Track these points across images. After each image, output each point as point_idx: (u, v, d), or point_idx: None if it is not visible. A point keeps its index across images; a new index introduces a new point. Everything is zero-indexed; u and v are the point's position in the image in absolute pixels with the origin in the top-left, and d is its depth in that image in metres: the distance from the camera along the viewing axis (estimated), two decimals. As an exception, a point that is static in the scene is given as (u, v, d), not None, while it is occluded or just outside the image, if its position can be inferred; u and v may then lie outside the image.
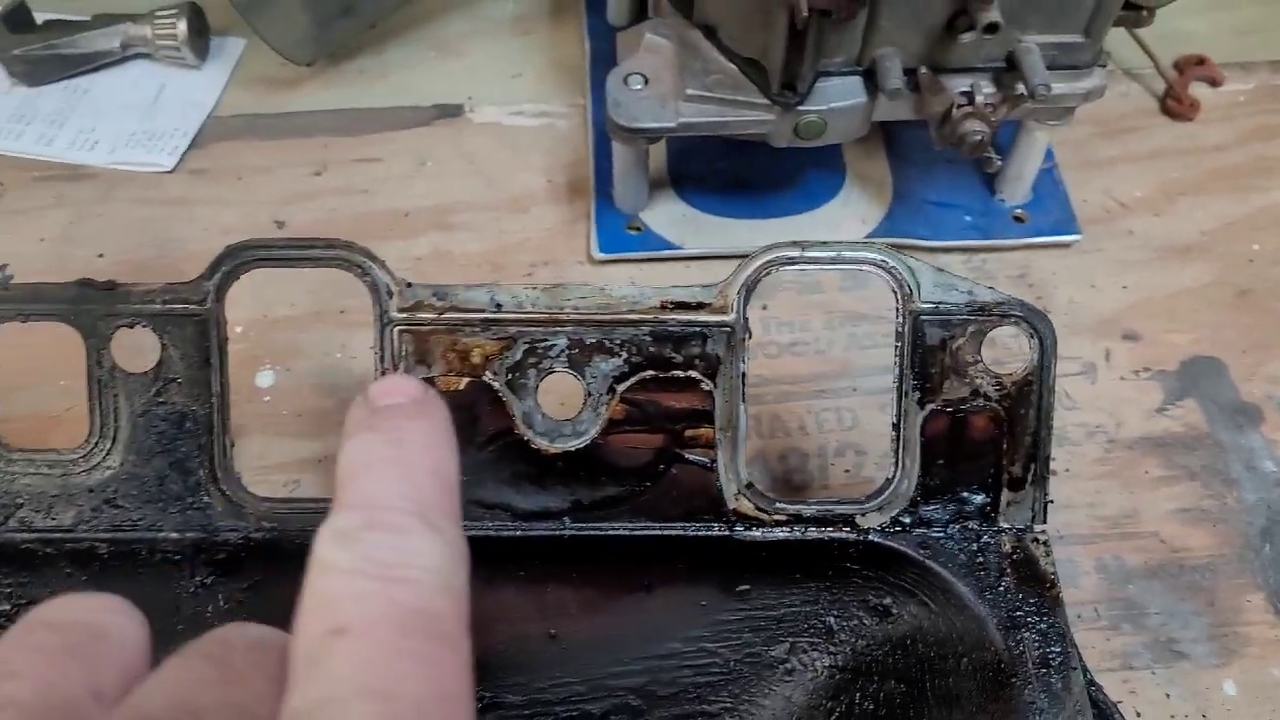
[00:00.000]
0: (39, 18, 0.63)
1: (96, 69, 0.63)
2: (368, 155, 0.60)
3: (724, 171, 0.59)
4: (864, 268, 0.38)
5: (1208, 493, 0.49)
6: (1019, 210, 0.57)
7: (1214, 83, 0.64)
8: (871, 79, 0.50)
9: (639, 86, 0.51)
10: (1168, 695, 0.43)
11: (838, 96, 0.50)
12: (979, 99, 0.49)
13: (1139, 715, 0.42)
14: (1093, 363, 0.53)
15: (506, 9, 0.68)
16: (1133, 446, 0.50)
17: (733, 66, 0.51)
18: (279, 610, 0.38)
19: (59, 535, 0.39)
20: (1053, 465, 0.40)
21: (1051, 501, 0.40)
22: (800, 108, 0.50)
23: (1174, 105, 0.63)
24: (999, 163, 0.51)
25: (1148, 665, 0.44)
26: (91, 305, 0.38)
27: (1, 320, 0.38)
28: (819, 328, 0.54)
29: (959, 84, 0.50)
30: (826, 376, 0.52)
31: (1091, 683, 0.37)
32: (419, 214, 0.58)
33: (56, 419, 0.49)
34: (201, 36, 0.64)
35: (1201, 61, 0.65)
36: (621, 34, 0.64)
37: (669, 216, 0.57)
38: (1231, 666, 0.44)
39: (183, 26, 0.62)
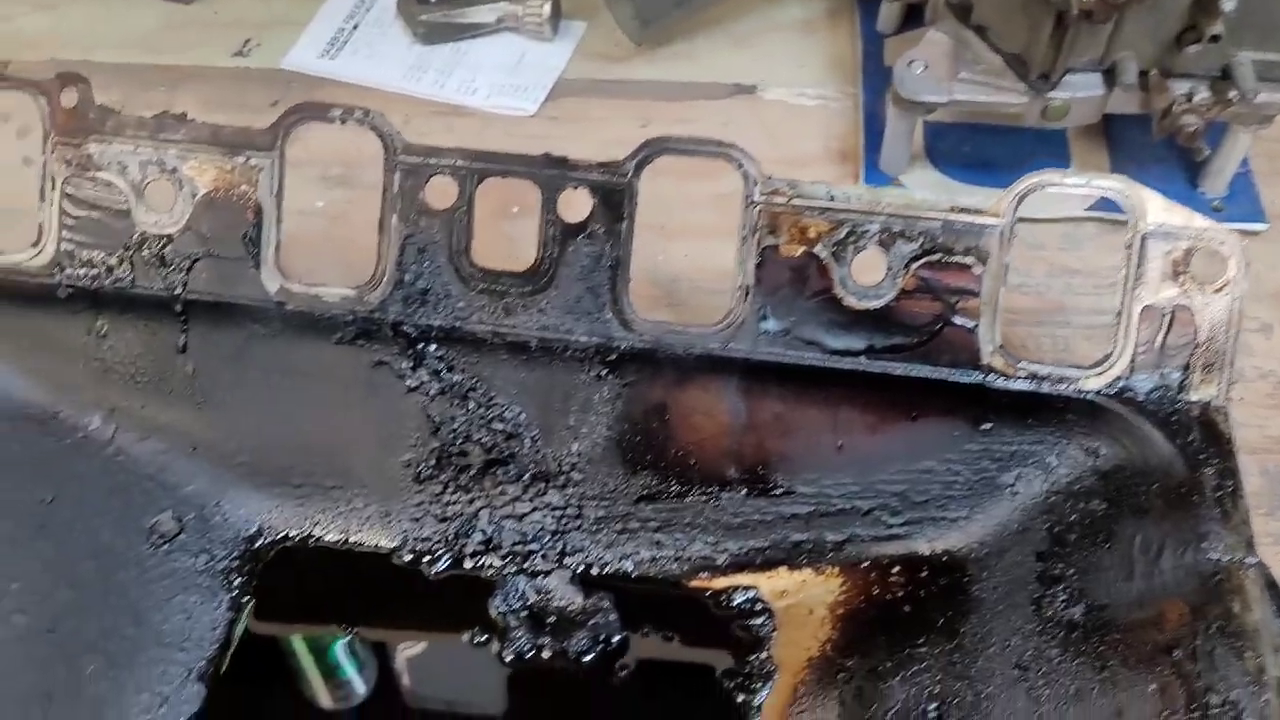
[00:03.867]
0: (435, -6, 0.82)
1: (475, 36, 0.82)
2: (682, 117, 0.76)
3: (970, 152, 0.73)
4: (1109, 193, 0.52)
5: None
6: (1216, 201, 0.70)
7: (1397, 118, 0.75)
8: (1109, 76, 0.64)
9: (920, 70, 0.66)
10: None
11: (1081, 88, 0.64)
12: (1196, 99, 0.63)
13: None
14: (1269, 324, 0.65)
15: (792, 14, 0.84)
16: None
17: (998, 59, 0.65)
18: (643, 403, 0.54)
19: (504, 329, 0.55)
20: (1230, 393, 0.52)
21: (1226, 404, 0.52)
22: (1050, 94, 0.64)
23: (1358, 132, 0.74)
24: (1207, 151, 0.64)
25: (1299, 541, 0.56)
26: (550, 171, 0.54)
27: (485, 177, 0.54)
28: (1041, 275, 0.68)
29: (1181, 86, 0.63)
30: (1045, 312, 0.66)
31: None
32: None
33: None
34: (556, 17, 0.81)
35: (1387, 99, 0.76)
36: (888, 39, 0.80)
37: (924, 180, 0.71)
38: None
39: (547, 8, 0.80)
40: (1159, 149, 0.71)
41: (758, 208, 0.53)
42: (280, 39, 0.83)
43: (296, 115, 0.55)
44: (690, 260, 0.67)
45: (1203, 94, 0.63)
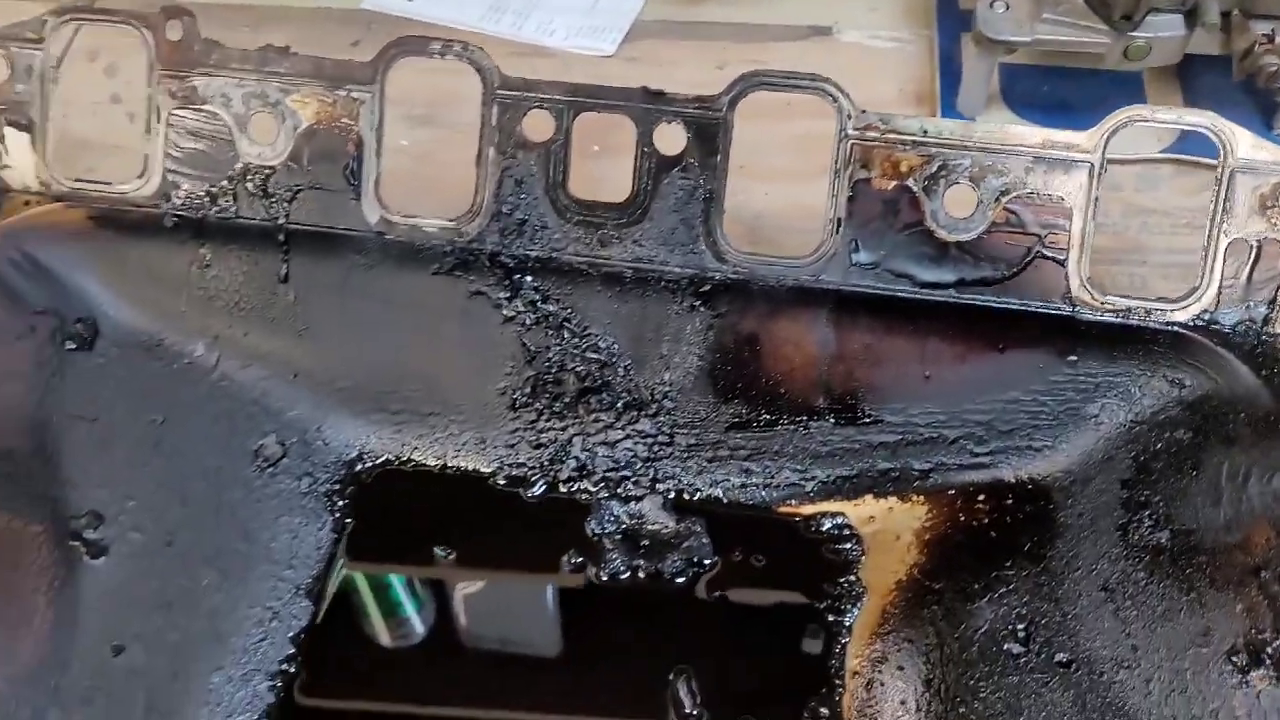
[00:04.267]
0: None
1: (549, -22, 0.83)
2: (757, 59, 0.77)
3: (1047, 94, 0.73)
4: (1200, 128, 0.52)
5: None
6: (1292, 144, 0.70)
7: None
8: (1190, 17, 0.64)
9: (1002, 10, 0.67)
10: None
11: (1163, 29, 0.65)
12: (1278, 39, 0.63)
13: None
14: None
15: (864, -42, 0.84)
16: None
17: (1079, 1, 0.66)
18: (734, 333, 0.56)
19: (599, 260, 0.56)
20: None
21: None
22: (1132, 34, 0.64)
23: None
24: (1288, 93, 0.65)
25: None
26: (646, 105, 0.55)
27: (582, 111, 0.56)
28: (1117, 215, 0.68)
29: (1262, 27, 0.63)
30: (1122, 251, 0.67)
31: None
32: (798, 103, 0.74)
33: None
34: (631, -41, 0.82)
35: None
36: (961, -16, 0.80)
37: (1000, 120, 0.72)
38: None
39: (623, -51, 0.81)
40: (1234, 92, 0.71)
41: (850, 142, 0.54)
42: (357, -19, 0.84)
43: (397, 49, 0.56)
44: (770, 199, 0.68)
45: (1285, 35, 0.63)
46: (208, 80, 0.57)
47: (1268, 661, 0.46)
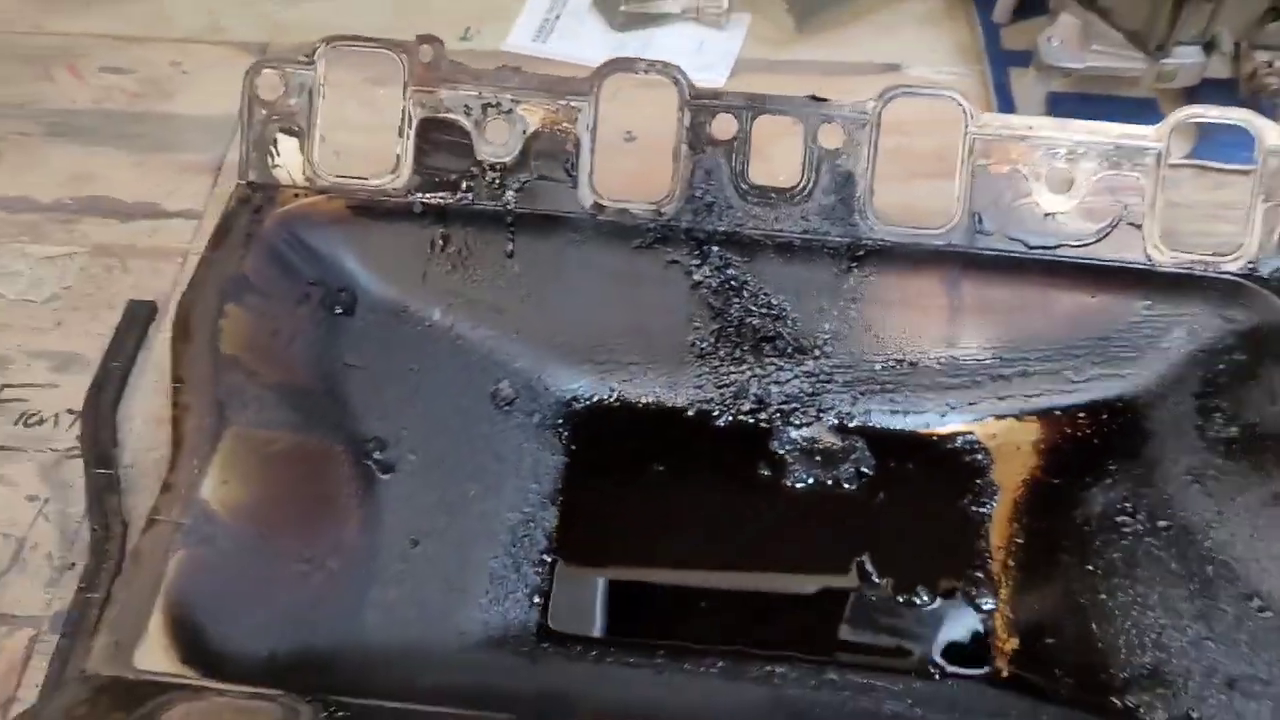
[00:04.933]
0: (624, -9, 0.98)
1: (661, 25, 0.98)
2: (844, 90, 0.91)
3: (1085, 116, 0.90)
4: (1241, 122, 0.68)
5: None
6: (1282, 151, 0.87)
7: None
8: (1208, 47, 0.81)
9: (1057, 43, 0.83)
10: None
11: (1186, 56, 0.82)
12: (1276, 64, 0.80)
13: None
14: (1334, 242, 0.83)
15: (918, 8, 1.01)
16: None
17: (1119, 34, 0.83)
18: (882, 289, 0.70)
19: (774, 233, 0.71)
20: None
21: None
22: (1163, 61, 0.81)
23: (1387, 100, 0.93)
24: (1283, 107, 0.82)
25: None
26: (810, 109, 0.70)
27: (760, 114, 0.70)
28: (1152, 207, 0.85)
29: (1264, 55, 0.81)
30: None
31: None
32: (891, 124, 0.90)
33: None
34: (729, 10, 0.98)
35: (1405, 75, 0.95)
36: (1003, 28, 0.97)
37: (1051, 135, 0.88)
38: None
39: (725, 2, 0.96)
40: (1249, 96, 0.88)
41: (973, 137, 0.70)
42: (494, 28, 0.98)
43: (610, 68, 0.71)
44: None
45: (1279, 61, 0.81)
46: (452, 93, 0.71)
47: (1324, 513, 0.61)
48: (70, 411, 0.72)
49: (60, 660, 0.60)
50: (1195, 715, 0.57)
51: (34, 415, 0.72)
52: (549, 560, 0.65)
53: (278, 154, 0.72)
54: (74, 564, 0.65)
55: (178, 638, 0.53)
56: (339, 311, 0.70)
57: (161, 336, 0.76)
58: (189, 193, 0.85)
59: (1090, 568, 0.64)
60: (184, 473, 0.59)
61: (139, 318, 0.76)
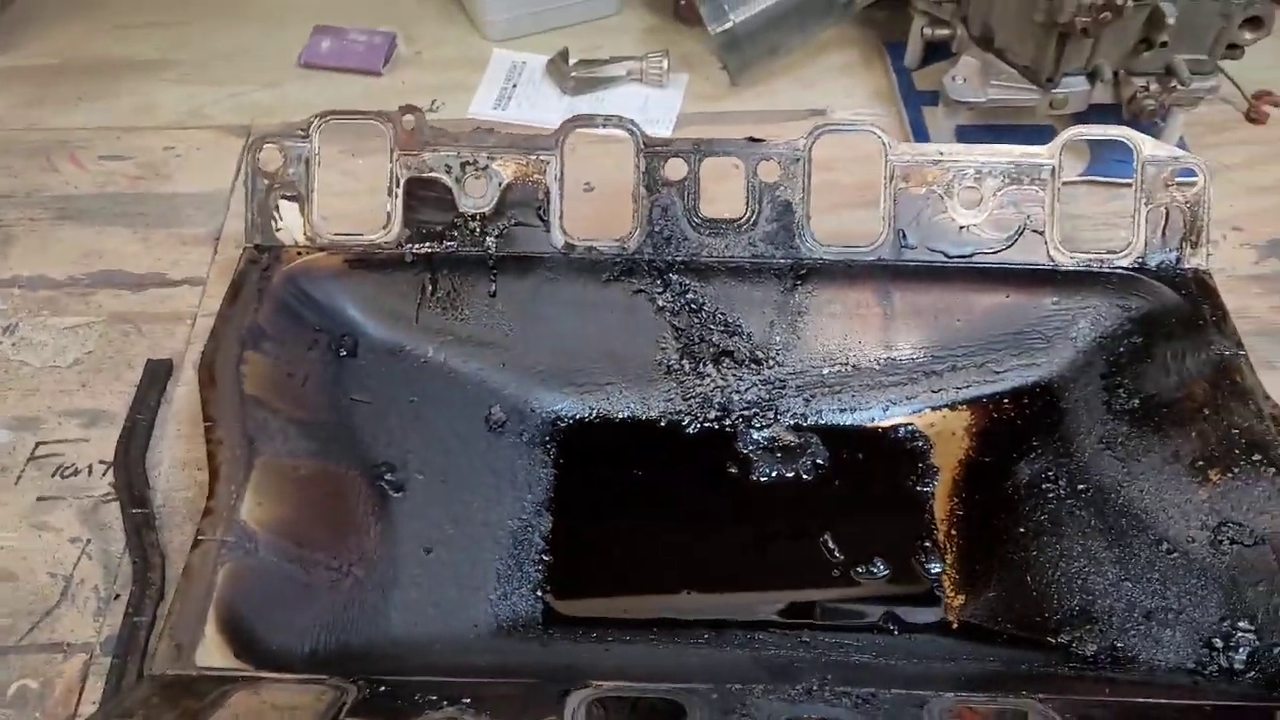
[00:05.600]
0: (573, 57, 1.09)
1: (609, 88, 1.08)
2: (777, 134, 1.03)
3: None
4: (1121, 136, 0.79)
5: (1277, 286, 0.90)
6: (1166, 164, 0.99)
7: (1277, 105, 1.07)
8: (1092, 77, 0.93)
9: (960, 82, 0.94)
10: None
11: (1073, 86, 0.93)
12: (1152, 88, 0.92)
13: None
14: (1215, 241, 0.94)
15: (838, 60, 1.12)
16: (1235, 275, 0.91)
17: (1014, 70, 0.94)
18: (822, 302, 0.79)
19: (725, 259, 0.80)
20: (1208, 261, 0.80)
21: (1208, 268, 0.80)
22: (1053, 91, 0.93)
23: (1254, 115, 1.05)
24: (1162, 125, 0.94)
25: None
26: (750, 149, 0.80)
27: (706, 156, 0.80)
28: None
29: (1140, 81, 0.92)
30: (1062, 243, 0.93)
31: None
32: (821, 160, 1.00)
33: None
34: (669, 71, 1.08)
35: (1270, 93, 1.07)
36: (914, 72, 1.08)
37: (964, 163, 0.99)
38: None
39: (665, 64, 1.07)
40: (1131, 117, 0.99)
41: (891, 164, 0.80)
42: (457, 99, 1.08)
43: (573, 123, 0.80)
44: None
45: (1154, 85, 0.92)
46: (434, 154, 0.80)
47: (1217, 464, 0.71)
48: (102, 462, 0.79)
49: (115, 677, 0.67)
50: (1120, 645, 0.66)
51: (69, 467, 0.79)
52: (547, 559, 0.73)
53: (280, 218, 0.80)
54: (118, 595, 0.72)
55: (231, 638, 0.61)
56: (344, 354, 0.78)
57: (180, 390, 0.83)
58: (192, 262, 0.93)
59: (1021, 529, 0.74)
60: (223, 498, 0.66)
61: (158, 374, 0.84)
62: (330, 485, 0.71)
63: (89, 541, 0.75)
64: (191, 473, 0.78)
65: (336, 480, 0.72)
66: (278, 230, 0.80)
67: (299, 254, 0.80)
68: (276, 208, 0.80)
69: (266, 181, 0.80)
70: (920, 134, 1.02)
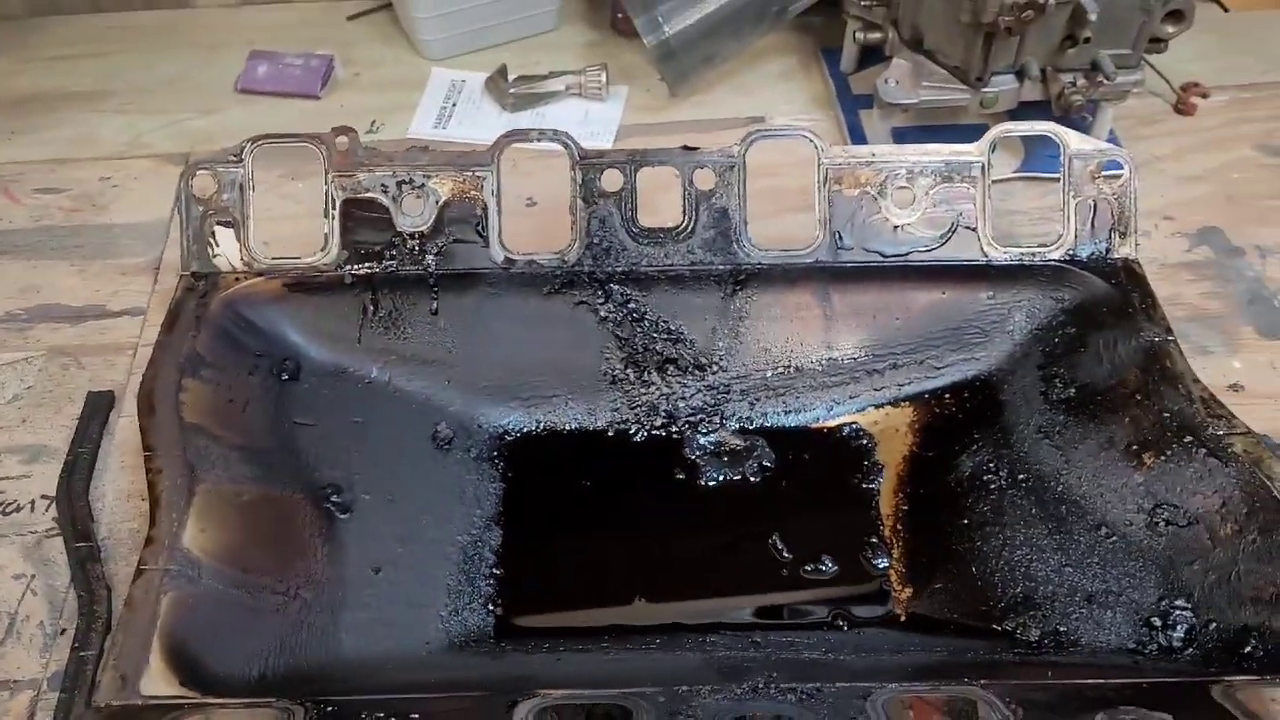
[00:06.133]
0: (512, 74, 1.09)
1: (549, 103, 1.09)
2: (716, 142, 1.04)
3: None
4: (1048, 131, 0.80)
5: (1207, 273, 0.91)
6: (1097, 158, 1.01)
7: (1205, 96, 1.09)
8: (1020, 75, 0.94)
9: (894, 84, 0.96)
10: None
11: (1003, 84, 0.95)
12: (1079, 83, 0.94)
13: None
14: (1147, 230, 0.96)
15: (775, 67, 1.14)
16: (1166, 264, 0.93)
17: (944, 71, 0.95)
18: (763, 306, 0.80)
19: (665, 267, 0.81)
20: (1137, 251, 0.81)
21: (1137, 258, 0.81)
22: (983, 90, 0.94)
23: (1182, 107, 1.08)
24: (1090, 119, 0.95)
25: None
26: (685, 157, 0.80)
27: (642, 166, 0.81)
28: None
29: (1067, 77, 0.94)
30: (999, 239, 0.95)
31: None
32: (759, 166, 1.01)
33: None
34: (608, 83, 1.09)
35: (1197, 84, 1.09)
36: (851, 76, 1.10)
37: (900, 163, 1.01)
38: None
39: (604, 77, 1.08)
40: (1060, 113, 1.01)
41: (826, 167, 0.81)
42: (397, 120, 1.08)
43: (508, 139, 0.81)
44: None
45: (1081, 80, 0.94)
46: (369, 174, 0.80)
47: (1150, 448, 0.72)
48: (45, 497, 0.78)
49: (62, 712, 0.66)
50: (1063, 629, 0.67)
51: (11, 504, 0.78)
52: (498, 573, 0.73)
53: (217, 245, 0.80)
54: (64, 630, 0.71)
55: (177, 667, 0.60)
56: (286, 378, 0.78)
57: (122, 421, 0.83)
58: (131, 292, 0.92)
59: (965, 521, 0.75)
60: (164, 526, 0.66)
61: (100, 407, 0.83)
62: (275, 510, 0.71)
63: (33, 577, 0.74)
64: (136, 504, 0.78)
65: (281, 504, 0.72)
66: (214, 257, 0.80)
67: (236, 280, 0.80)
68: (212, 234, 0.80)
69: (201, 208, 0.80)
70: (858, 137, 1.04)
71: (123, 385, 0.85)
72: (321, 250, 0.80)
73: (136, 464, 0.79)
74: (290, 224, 0.94)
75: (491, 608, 0.72)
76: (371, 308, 0.81)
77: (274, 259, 0.80)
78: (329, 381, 0.79)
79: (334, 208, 0.80)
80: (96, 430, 0.82)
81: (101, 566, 0.74)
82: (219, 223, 0.80)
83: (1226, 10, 1.19)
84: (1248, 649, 0.62)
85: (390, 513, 0.75)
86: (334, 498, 0.74)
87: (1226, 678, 0.58)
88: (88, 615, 0.71)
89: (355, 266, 0.80)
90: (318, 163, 0.80)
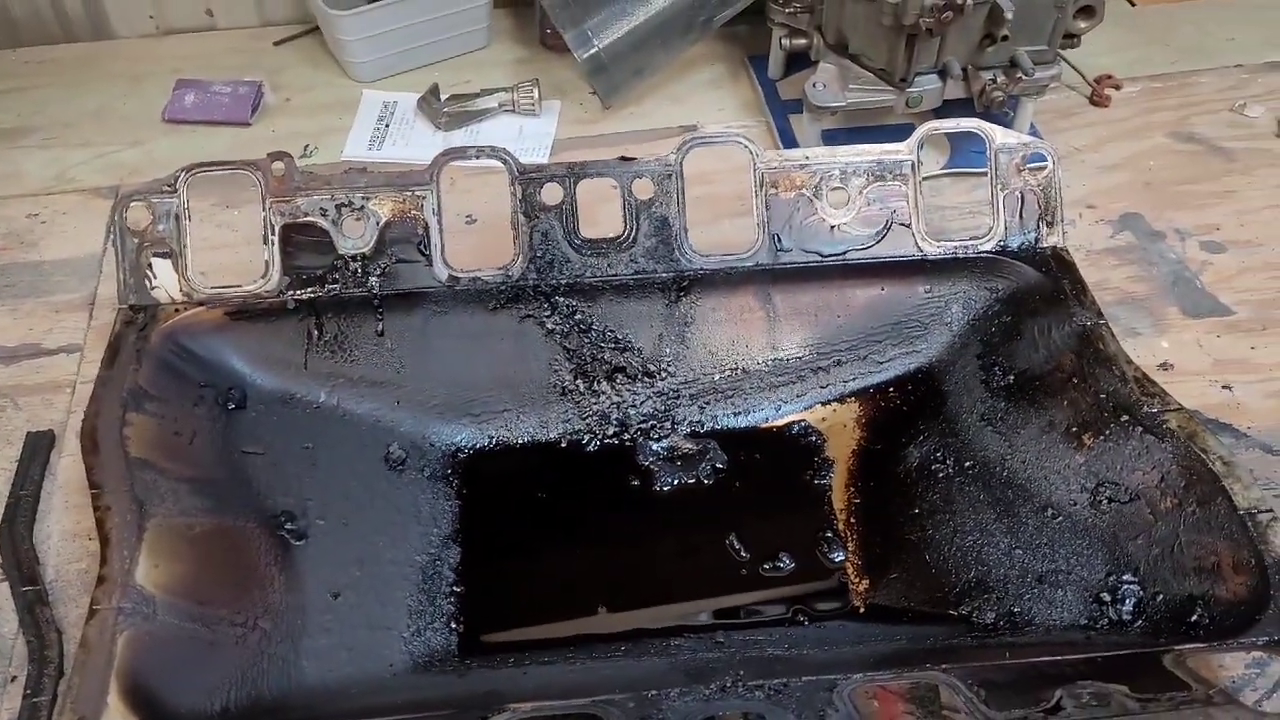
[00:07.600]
0: (444, 93, 1.09)
1: (482, 120, 1.09)
2: (650, 152, 1.05)
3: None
4: (973, 128, 0.83)
5: (1131, 258, 0.94)
6: (1021, 151, 1.04)
7: (1118, 87, 1.13)
8: (943, 74, 0.97)
9: (821, 88, 0.98)
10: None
11: (926, 84, 0.97)
12: (999, 80, 0.96)
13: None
14: (1072, 219, 0.99)
15: (704, 76, 1.15)
16: (1093, 250, 0.96)
17: (870, 74, 0.98)
18: (708, 311, 0.81)
19: (609, 277, 0.81)
20: (1064, 239, 0.84)
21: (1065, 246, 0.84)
22: (908, 90, 0.97)
23: (1097, 99, 1.11)
24: (1012, 114, 0.98)
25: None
26: (623, 168, 0.81)
27: (581, 179, 0.81)
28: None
29: (988, 74, 0.97)
30: (931, 234, 0.97)
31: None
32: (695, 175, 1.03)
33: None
34: (541, 99, 1.10)
35: (1110, 76, 1.13)
36: (778, 82, 1.12)
37: (832, 165, 1.02)
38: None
39: (536, 93, 1.08)
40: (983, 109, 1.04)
41: (761, 171, 0.82)
42: (330, 143, 1.08)
43: (446, 157, 0.81)
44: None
45: (1001, 77, 0.97)
46: (308, 199, 0.80)
47: (1089, 429, 0.74)
48: (-13, 542, 0.76)
49: (19, 760, 0.65)
50: (1016, 610, 0.69)
51: (-48, 551, 0.76)
52: (459, 590, 0.73)
53: (154, 276, 0.79)
54: (14, 676, 0.70)
55: (136, 706, 0.59)
56: (232, 407, 0.77)
57: (64, 460, 0.81)
58: (67, 329, 0.91)
59: (916, 511, 0.76)
60: (116, 564, 0.64)
61: (40, 447, 0.81)
62: (228, 541, 0.70)
63: (-21, 625, 0.72)
64: (83, 543, 0.76)
65: (234, 535, 0.71)
66: (153, 289, 0.79)
67: (176, 311, 0.79)
68: (149, 266, 0.79)
69: (136, 240, 0.79)
70: (789, 141, 1.05)
71: (62, 424, 0.84)
72: (263, 277, 0.80)
73: (81, 503, 0.78)
74: (229, 252, 0.94)
75: (454, 626, 0.72)
76: (316, 332, 0.80)
77: (214, 288, 0.79)
78: (276, 408, 0.79)
79: (273, 234, 0.80)
80: (38, 471, 0.80)
81: (50, 610, 0.72)
82: (155, 254, 0.79)
83: (1134, 4, 1.24)
84: (1194, 617, 0.64)
85: (346, 536, 0.74)
86: (288, 525, 0.73)
87: (1176, 646, 0.60)
88: (39, 660, 0.69)
89: (298, 292, 0.80)
90: (254, 190, 0.80)
